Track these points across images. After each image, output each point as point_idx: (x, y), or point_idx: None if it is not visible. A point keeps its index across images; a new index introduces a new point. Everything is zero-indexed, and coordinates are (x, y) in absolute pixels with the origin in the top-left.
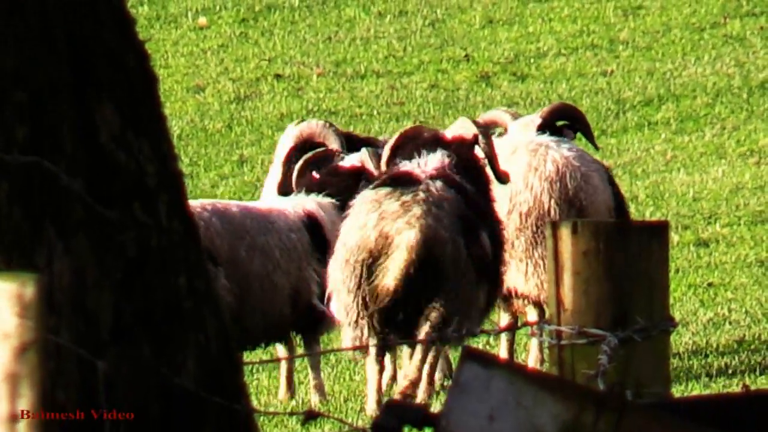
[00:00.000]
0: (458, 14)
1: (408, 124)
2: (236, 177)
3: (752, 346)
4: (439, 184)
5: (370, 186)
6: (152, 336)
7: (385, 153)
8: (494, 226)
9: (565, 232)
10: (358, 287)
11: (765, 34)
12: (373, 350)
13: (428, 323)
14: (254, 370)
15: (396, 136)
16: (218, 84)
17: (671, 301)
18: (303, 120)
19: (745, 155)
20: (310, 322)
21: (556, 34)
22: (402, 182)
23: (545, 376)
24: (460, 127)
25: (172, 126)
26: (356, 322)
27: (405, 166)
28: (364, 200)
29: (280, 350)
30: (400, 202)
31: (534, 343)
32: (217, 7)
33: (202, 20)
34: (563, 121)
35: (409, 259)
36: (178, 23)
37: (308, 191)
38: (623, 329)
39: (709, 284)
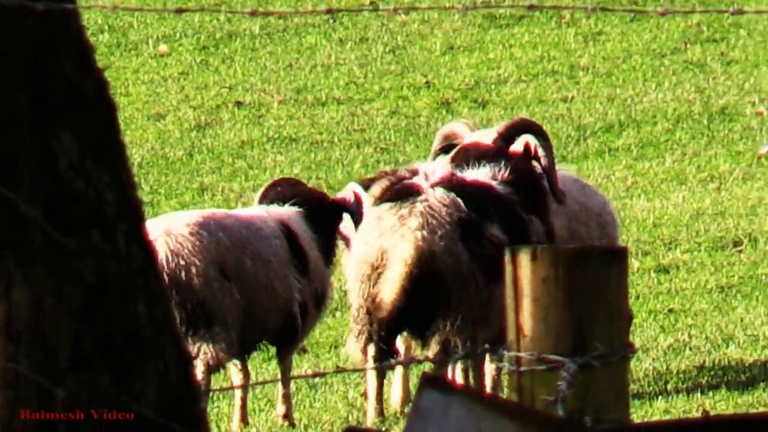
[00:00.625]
0: (419, 41)
1: (369, 151)
2: (197, 205)
3: (712, 372)
4: (439, 192)
5: (377, 201)
6: (111, 364)
7: (446, 167)
8: (519, 218)
9: (524, 259)
10: (362, 300)
11: (725, 60)
12: (371, 363)
13: (435, 343)
14: (214, 398)
15: (455, 151)
16: (179, 111)
17: (631, 327)
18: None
19: (705, 181)
20: (288, 333)
21: (516, 61)
22: (403, 195)
23: (504, 402)
24: (526, 141)
25: (132, 154)
26: (359, 334)
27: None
28: (371, 216)
29: (235, 379)
30: (397, 216)
31: (488, 368)
32: (178, 35)
33: (163, 48)
34: (523, 135)
35: (404, 273)
36: (139, 51)
37: (272, 202)
38: (582, 355)
39: (670, 310)
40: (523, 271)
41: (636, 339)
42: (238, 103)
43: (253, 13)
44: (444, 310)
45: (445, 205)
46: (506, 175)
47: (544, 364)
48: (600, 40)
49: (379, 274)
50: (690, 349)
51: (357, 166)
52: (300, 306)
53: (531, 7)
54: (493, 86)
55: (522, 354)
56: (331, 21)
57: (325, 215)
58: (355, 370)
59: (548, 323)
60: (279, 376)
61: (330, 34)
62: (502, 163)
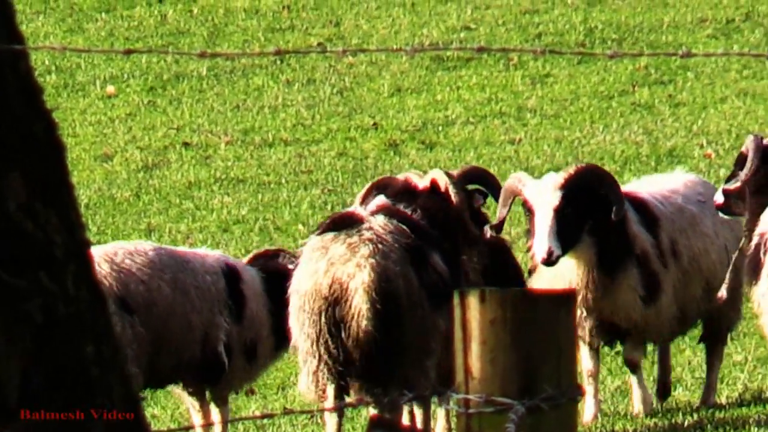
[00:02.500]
0: (366, 82)
1: (316, 193)
2: None
3: (660, 414)
4: (381, 218)
5: (316, 232)
6: (60, 403)
7: (357, 202)
8: (451, 251)
9: (473, 301)
10: (318, 334)
11: (673, 102)
12: (331, 400)
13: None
14: None
15: (366, 186)
16: (126, 152)
17: (579, 369)
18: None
19: None
20: (213, 371)
21: (464, 102)
22: (345, 224)
23: None
24: (432, 178)
25: (79, 195)
26: (316, 370)
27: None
28: (312, 247)
29: (195, 419)
30: (346, 245)
31: (441, 411)
32: (125, 76)
33: (110, 89)
34: (474, 185)
35: (370, 300)
36: (86, 92)
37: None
38: (531, 398)
39: (617, 353)
40: (472, 313)
41: (582, 383)
42: (186, 144)
43: (201, 55)
44: (398, 333)
45: (390, 231)
46: (416, 210)
47: (492, 406)
48: (548, 82)
49: (336, 307)
50: None
51: (304, 208)
52: (227, 349)
53: (480, 50)
54: (440, 128)
55: (470, 396)
56: (278, 62)
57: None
58: (302, 412)
59: (496, 365)
60: (219, 419)
61: (277, 76)
62: (413, 199)
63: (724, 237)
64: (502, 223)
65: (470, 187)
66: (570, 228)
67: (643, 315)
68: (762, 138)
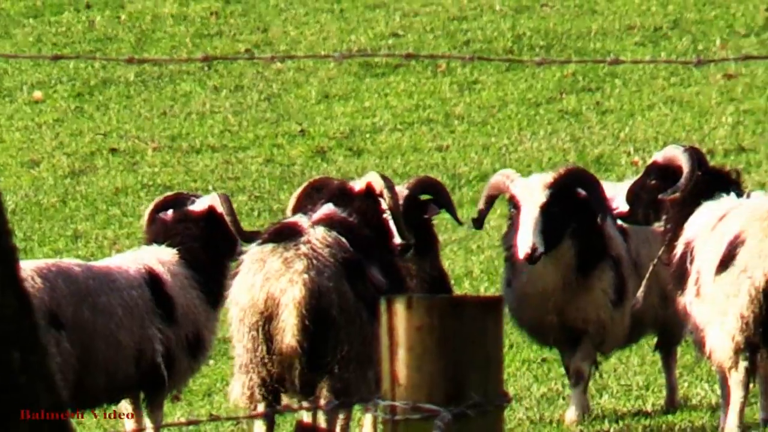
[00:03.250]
0: (294, 89)
1: (243, 199)
2: (71, 252)
3: (586, 422)
4: (320, 231)
5: (257, 241)
6: None
7: (291, 203)
8: (390, 261)
9: (399, 308)
10: (252, 345)
11: (600, 109)
12: (261, 409)
13: (326, 389)
14: None
15: (303, 186)
16: (53, 158)
17: (505, 376)
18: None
19: None
20: (154, 382)
21: (391, 109)
22: (284, 236)
23: None
24: (368, 181)
25: (6, 201)
26: (249, 380)
27: (294, 217)
28: (252, 258)
29: (127, 423)
30: (282, 259)
31: (368, 417)
32: (53, 82)
33: (38, 94)
34: (427, 195)
35: (299, 316)
36: (13, 97)
37: (154, 241)
38: (458, 404)
39: (543, 359)
40: (399, 320)
41: (510, 388)
42: (113, 150)
43: (129, 61)
44: (334, 348)
45: (327, 245)
46: (351, 214)
47: (418, 413)
48: (475, 89)
49: (271, 321)
50: (563, 398)
51: None
52: (166, 355)
53: (408, 56)
54: (368, 135)
55: (397, 403)
56: (206, 68)
57: (212, 253)
58: (228, 419)
59: (423, 372)
60: (152, 426)
61: (205, 82)
62: (347, 202)
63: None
64: (482, 219)
65: (423, 197)
66: (553, 227)
67: (612, 317)
68: (696, 149)
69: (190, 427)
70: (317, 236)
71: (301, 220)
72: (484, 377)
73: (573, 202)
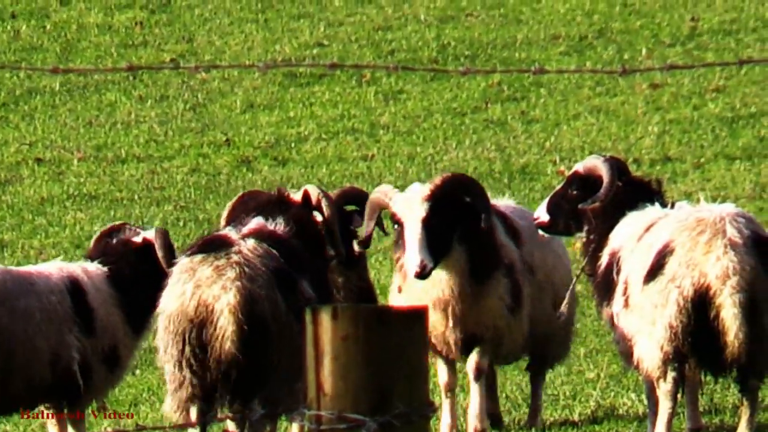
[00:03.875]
0: (219, 99)
1: (169, 209)
2: None
3: (512, 431)
4: (250, 243)
5: (186, 253)
6: None
7: (224, 214)
8: (321, 274)
9: (325, 318)
10: (182, 355)
11: (526, 118)
12: (194, 419)
13: (257, 399)
14: None
15: (235, 198)
16: None
17: (431, 386)
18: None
19: None
20: (70, 390)
21: (316, 119)
22: (214, 247)
23: None
24: (305, 190)
25: None
26: (178, 390)
27: (224, 230)
28: (181, 268)
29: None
30: (213, 267)
31: (295, 427)
32: None
33: None
34: (352, 206)
35: (236, 321)
36: None
37: (89, 257)
38: (383, 414)
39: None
40: (324, 330)
41: (436, 398)
42: (38, 160)
43: (54, 70)
44: (268, 356)
45: (258, 255)
46: (285, 226)
47: (344, 423)
48: (401, 98)
49: (202, 328)
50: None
51: (157, 224)
52: (83, 363)
53: (332, 66)
54: (293, 144)
55: (322, 413)
56: (131, 78)
57: (141, 282)
58: (155, 428)
59: (349, 382)
60: None
61: (130, 92)
62: (280, 214)
63: (567, 257)
64: (369, 237)
65: (348, 208)
66: (439, 239)
67: (508, 323)
68: (616, 159)
69: None
70: (248, 247)
71: (231, 232)
72: (409, 387)
73: (455, 209)
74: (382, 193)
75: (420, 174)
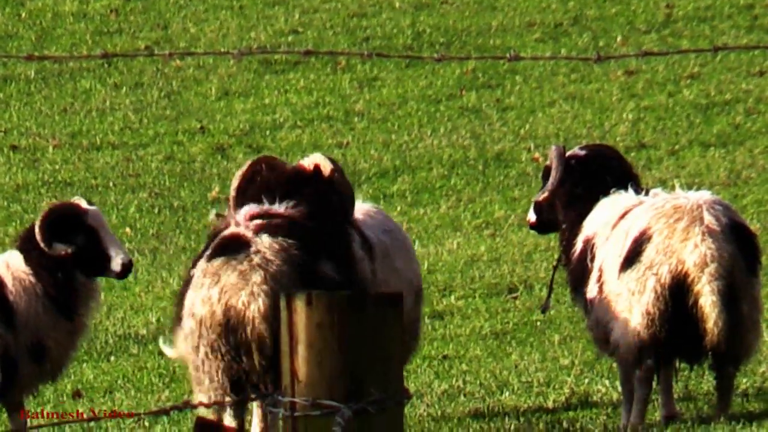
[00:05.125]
0: (194, 86)
1: (143, 196)
2: None
3: (487, 418)
4: (266, 239)
5: (205, 255)
6: None
7: (234, 183)
8: (342, 253)
9: (299, 304)
10: (214, 355)
11: (501, 106)
12: (230, 418)
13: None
14: None
15: (245, 167)
16: None
17: (406, 373)
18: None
19: (480, 227)
20: None
21: (291, 106)
22: (231, 248)
23: None
24: (316, 164)
25: None
26: (215, 388)
27: (232, 217)
28: (204, 272)
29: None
30: (237, 273)
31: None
32: None
33: None
34: None
35: (269, 326)
36: None
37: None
38: (358, 401)
39: (444, 356)
40: (298, 317)
41: (411, 385)
42: (13, 147)
43: (29, 58)
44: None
45: (277, 252)
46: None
47: (318, 409)
48: (375, 86)
49: (233, 332)
50: (464, 395)
51: (132, 211)
52: (5, 357)
53: (307, 53)
54: (268, 132)
55: (297, 399)
56: (106, 66)
57: (55, 261)
58: (129, 415)
59: (323, 369)
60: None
61: (105, 79)
62: (295, 193)
63: (412, 270)
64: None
65: None
66: None
67: None
68: (564, 147)
69: (92, 424)
70: (265, 245)
71: (242, 230)
72: (384, 374)
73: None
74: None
75: (395, 162)
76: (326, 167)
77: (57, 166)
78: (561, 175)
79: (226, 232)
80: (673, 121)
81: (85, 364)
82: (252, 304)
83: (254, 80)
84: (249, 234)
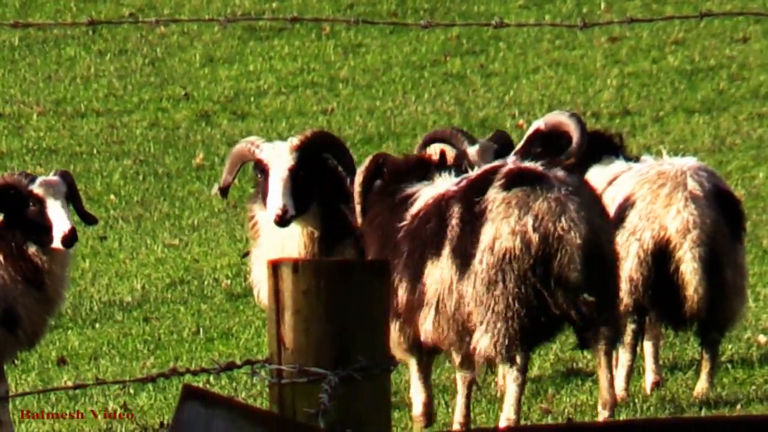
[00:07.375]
0: (178, 53)
1: (128, 163)
2: None
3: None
4: (560, 172)
5: (495, 188)
6: None
7: (359, 178)
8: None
9: (285, 271)
10: (519, 290)
11: (485, 72)
12: (516, 370)
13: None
14: None
15: (365, 167)
16: None
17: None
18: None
19: None
20: None
21: (276, 73)
22: (531, 180)
23: (266, 415)
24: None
25: None
26: (503, 327)
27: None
28: (503, 203)
29: None
30: (551, 199)
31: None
32: None
33: None
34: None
35: (586, 253)
36: None
37: None
38: (345, 368)
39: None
40: (285, 284)
41: None
42: None
43: (14, 25)
44: (609, 285)
45: (576, 186)
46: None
47: (305, 376)
48: (360, 52)
49: (545, 262)
50: (449, 362)
51: (116, 178)
52: None
53: (292, 20)
54: (252, 98)
55: (283, 366)
56: (90, 33)
57: (21, 224)
58: (114, 382)
59: (310, 336)
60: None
61: (89, 46)
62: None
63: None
64: (228, 186)
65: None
66: (303, 190)
67: None
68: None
69: (77, 391)
70: (560, 176)
71: (531, 165)
72: (371, 341)
73: (320, 167)
74: (249, 142)
75: (379, 128)
76: (450, 153)
77: (41, 134)
78: (585, 140)
79: (512, 167)
80: (657, 87)
81: (69, 331)
82: (573, 230)
83: (239, 47)
84: (541, 168)
